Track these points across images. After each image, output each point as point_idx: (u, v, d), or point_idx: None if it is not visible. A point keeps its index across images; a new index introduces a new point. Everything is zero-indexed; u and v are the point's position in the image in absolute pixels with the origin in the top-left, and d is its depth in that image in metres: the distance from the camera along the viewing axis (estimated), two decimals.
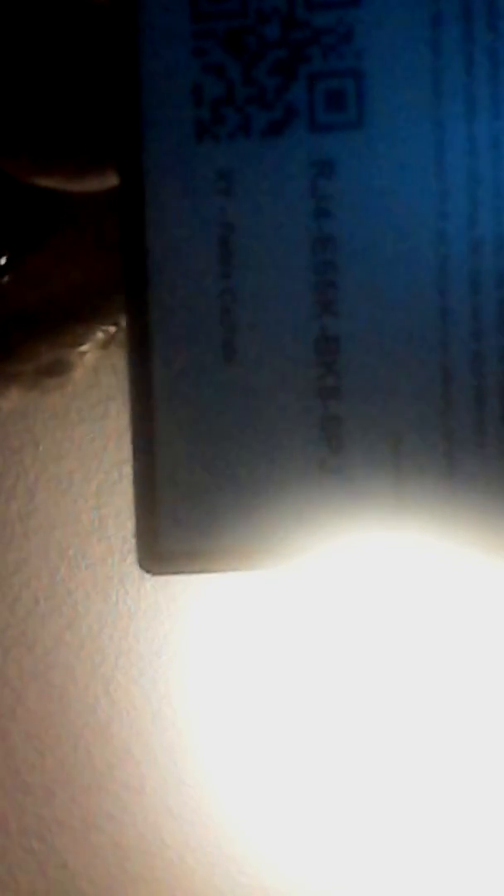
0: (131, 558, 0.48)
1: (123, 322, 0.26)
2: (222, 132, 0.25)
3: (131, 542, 0.48)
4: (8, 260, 0.35)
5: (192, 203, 0.25)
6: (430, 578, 0.41)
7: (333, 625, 0.48)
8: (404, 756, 0.49)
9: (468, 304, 0.25)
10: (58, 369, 0.37)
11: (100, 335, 0.37)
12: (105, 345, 0.37)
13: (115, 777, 0.50)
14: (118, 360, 0.46)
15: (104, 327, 0.37)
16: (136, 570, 0.48)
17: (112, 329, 0.37)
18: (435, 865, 0.49)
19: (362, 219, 0.25)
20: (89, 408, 0.48)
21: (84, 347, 0.37)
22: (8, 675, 0.49)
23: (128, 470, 0.47)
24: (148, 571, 0.26)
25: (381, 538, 0.25)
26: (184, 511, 0.26)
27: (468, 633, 0.48)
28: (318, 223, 0.25)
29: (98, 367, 0.46)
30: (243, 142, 0.25)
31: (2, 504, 0.48)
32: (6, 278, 0.35)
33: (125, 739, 0.50)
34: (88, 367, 0.38)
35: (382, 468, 0.25)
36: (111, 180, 0.30)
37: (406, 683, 0.48)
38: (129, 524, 0.48)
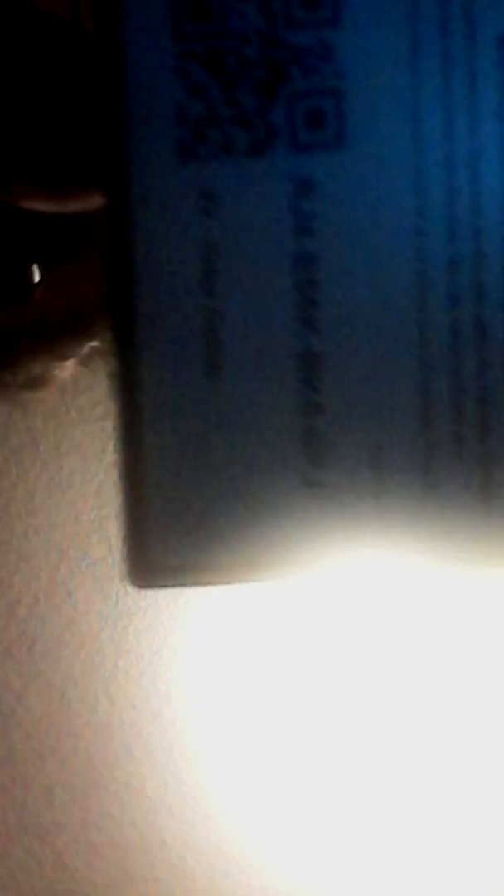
0: None
1: (109, 339, 0.26)
2: (205, 152, 0.26)
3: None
4: (42, 275, 0.35)
5: (176, 223, 0.26)
6: (413, 588, 0.41)
7: (328, 623, 0.48)
8: (401, 756, 0.49)
9: (447, 320, 0.25)
10: (39, 383, 0.37)
11: (83, 351, 0.37)
12: (87, 360, 0.37)
13: (115, 777, 0.50)
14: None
15: (88, 343, 0.37)
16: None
17: (95, 345, 0.37)
18: (434, 867, 0.49)
19: (343, 237, 0.25)
20: (89, 408, 0.48)
21: (67, 363, 0.37)
22: (8, 675, 0.50)
23: None
24: (136, 586, 0.26)
25: (362, 550, 0.25)
26: (171, 526, 0.26)
27: (455, 638, 0.48)
28: (300, 242, 0.25)
29: (98, 367, 0.46)
30: (226, 162, 0.25)
31: (2, 504, 0.48)
32: (39, 291, 0.35)
33: (125, 739, 0.50)
34: (67, 381, 0.39)
35: (363, 482, 0.25)
36: (95, 202, 0.30)
37: (397, 678, 0.48)
38: None
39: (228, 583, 0.26)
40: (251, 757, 0.49)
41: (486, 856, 0.49)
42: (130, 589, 0.50)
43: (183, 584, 0.27)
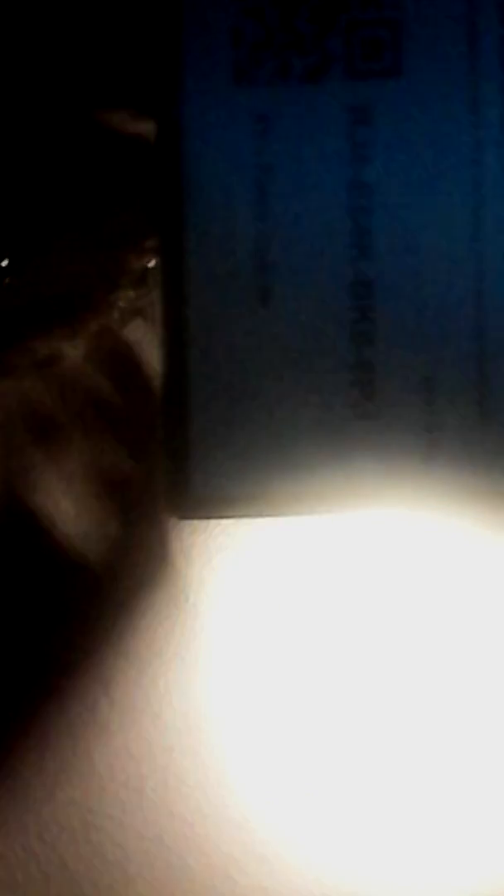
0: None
1: (157, 264, 0.26)
2: (260, 76, 0.26)
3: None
4: (10, 263, 0.35)
5: (230, 145, 0.26)
6: (465, 524, 0.40)
7: (344, 617, 0.48)
8: (408, 759, 0.49)
9: (502, 251, 0.25)
10: (51, 362, 0.37)
11: (93, 327, 0.37)
12: (97, 338, 0.37)
13: (115, 777, 0.50)
14: (119, 362, 0.46)
15: (97, 320, 0.37)
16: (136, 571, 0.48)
17: (104, 322, 0.37)
18: (435, 868, 0.49)
19: (399, 165, 0.25)
20: None
21: (77, 340, 0.37)
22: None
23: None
24: (177, 517, 0.26)
25: (412, 485, 0.25)
26: (214, 455, 0.26)
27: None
28: (355, 168, 0.25)
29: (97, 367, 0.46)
30: (281, 87, 0.26)
31: None
32: (7, 280, 0.35)
33: (125, 739, 0.50)
34: (79, 357, 0.39)
35: (415, 414, 0.25)
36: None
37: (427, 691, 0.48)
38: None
39: (270, 516, 0.26)
40: (252, 757, 0.49)
41: (488, 854, 0.49)
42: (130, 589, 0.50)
43: (224, 516, 0.27)
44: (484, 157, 0.25)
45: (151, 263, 0.35)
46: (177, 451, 0.25)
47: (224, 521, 0.48)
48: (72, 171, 0.34)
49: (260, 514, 0.26)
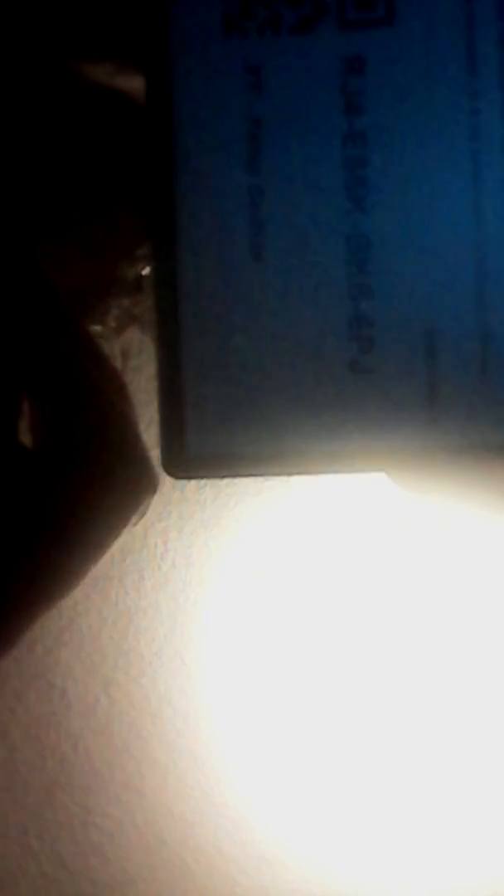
0: (131, 558, 0.48)
1: (148, 218, 0.26)
2: (251, 27, 0.25)
3: (131, 542, 0.48)
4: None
5: (220, 97, 0.25)
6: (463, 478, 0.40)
7: (344, 617, 0.48)
8: (408, 760, 0.49)
9: (501, 199, 0.24)
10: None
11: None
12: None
13: (115, 777, 0.50)
14: (120, 360, 0.46)
15: (93, 328, 0.37)
16: (136, 571, 0.48)
17: (100, 329, 0.37)
18: (435, 868, 0.49)
19: (393, 114, 0.25)
20: None
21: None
22: (8, 675, 0.49)
23: None
24: (172, 476, 0.25)
25: (413, 441, 0.25)
26: (209, 414, 0.25)
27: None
28: (349, 119, 0.25)
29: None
30: (272, 38, 0.25)
31: None
32: None
33: (125, 739, 0.50)
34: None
35: (415, 368, 0.25)
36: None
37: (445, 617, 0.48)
38: None
39: (267, 475, 0.26)
40: (252, 757, 0.49)
41: (488, 854, 0.49)
42: (130, 589, 0.50)
43: (220, 476, 0.26)
44: (480, 104, 0.24)
45: (145, 271, 0.36)
46: (172, 411, 0.25)
47: (224, 522, 0.48)
48: (65, 182, 0.34)
49: (257, 474, 0.25)
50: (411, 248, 0.25)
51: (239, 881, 0.50)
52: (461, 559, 0.47)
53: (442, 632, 0.48)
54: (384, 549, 0.47)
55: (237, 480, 0.47)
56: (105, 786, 0.50)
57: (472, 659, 0.48)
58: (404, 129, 0.25)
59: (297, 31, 0.25)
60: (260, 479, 0.46)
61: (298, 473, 0.25)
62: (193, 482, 0.47)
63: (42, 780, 0.50)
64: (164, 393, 0.25)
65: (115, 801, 0.50)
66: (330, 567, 0.48)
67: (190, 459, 0.25)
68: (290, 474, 0.25)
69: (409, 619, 0.48)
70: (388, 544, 0.47)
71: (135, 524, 0.27)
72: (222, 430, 0.25)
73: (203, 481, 0.47)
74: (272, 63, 0.25)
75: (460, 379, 0.25)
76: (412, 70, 0.25)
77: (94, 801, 0.50)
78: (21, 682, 0.49)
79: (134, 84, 0.31)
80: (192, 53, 0.25)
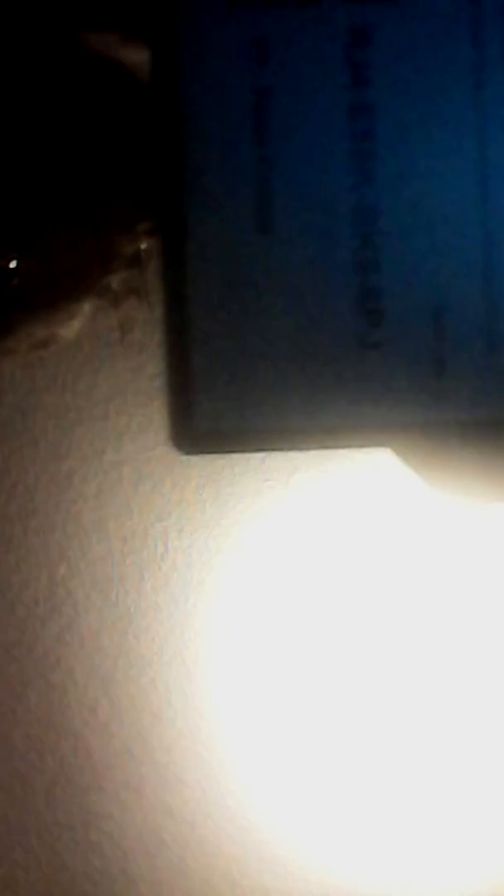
0: (131, 558, 0.48)
1: (156, 193, 0.26)
2: (256, 0, 0.25)
3: (131, 542, 0.48)
4: (17, 263, 0.35)
5: (226, 69, 0.25)
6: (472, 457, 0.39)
7: (344, 618, 0.48)
8: (409, 760, 0.49)
9: None
10: (49, 343, 0.37)
11: (87, 308, 0.37)
12: (93, 317, 0.38)
13: (115, 777, 0.50)
14: (120, 361, 0.46)
15: (92, 301, 0.37)
16: (135, 571, 0.48)
17: (98, 301, 0.38)
18: (435, 868, 0.49)
19: (400, 86, 0.25)
20: (89, 408, 0.48)
21: (74, 321, 0.37)
22: (8, 675, 0.49)
23: (128, 471, 0.47)
24: (182, 452, 0.25)
25: (421, 415, 0.24)
26: (217, 389, 0.25)
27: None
28: (355, 91, 0.25)
29: (99, 368, 0.46)
30: (278, 10, 0.25)
31: (2, 504, 0.48)
32: (16, 280, 0.35)
33: (125, 739, 0.50)
34: (75, 337, 0.39)
35: (423, 342, 0.24)
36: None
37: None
38: (128, 523, 0.48)
39: (275, 450, 0.25)
40: (252, 756, 0.49)
41: (489, 852, 0.49)
42: (130, 589, 0.50)
43: (229, 451, 0.26)
44: (485, 76, 0.24)
45: (144, 245, 0.36)
46: (179, 386, 0.24)
47: (224, 522, 0.48)
48: (65, 158, 0.34)
49: (265, 448, 0.25)
50: (418, 222, 0.25)
51: (239, 881, 0.50)
52: (464, 557, 0.47)
53: (448, 638, 0.48)
54: (387, 550, 0.47)
55: (237, 480, 0.47)
56: (105, 786, 0.50)
57: (473, 659, 0.48)
58: (410, 102, 0.25)
59: (302, 2, 0.25)
60: (260, 479, 0.46)
61: (307, 448, 0.25)
62: (194, 482, 0.47)
63: (42, 780, 0.50)
64: (172, 369, 0.25)
65: (115, 801, 0.50)
66: (331, 567, 0.48)
67: (198, 435, 0.25)
68: (298, 449, 0.25)
69: (412, 625, 0.48)
70: (391, 544, 0.47)
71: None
72: (230, 405, 0.25)
73: (203, 482, 0.47)
74: (278, 35, 0.25)
75: (468, 354, 0.25)
76: (418, 43, 0.25)
77: (94, 801, 0.50)
78: (21, 682, 0.49)
79: (137, 57, 0.31)
80: (199, 25, 0.25)
